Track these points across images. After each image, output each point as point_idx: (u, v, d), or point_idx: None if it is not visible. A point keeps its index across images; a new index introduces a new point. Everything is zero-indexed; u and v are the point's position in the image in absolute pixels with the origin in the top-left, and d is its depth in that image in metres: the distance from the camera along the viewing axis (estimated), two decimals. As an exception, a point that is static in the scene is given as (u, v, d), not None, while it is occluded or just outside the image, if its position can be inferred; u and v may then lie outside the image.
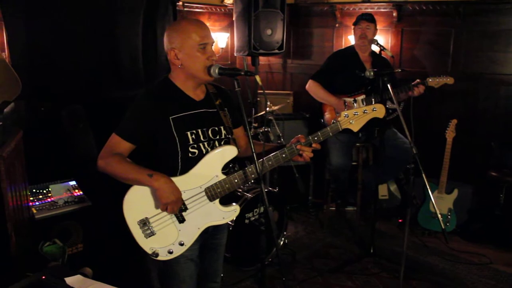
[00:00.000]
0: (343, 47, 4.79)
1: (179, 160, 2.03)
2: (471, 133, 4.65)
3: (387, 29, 5.04)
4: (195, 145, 2.05)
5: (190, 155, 2.04)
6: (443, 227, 3.03)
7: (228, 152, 2.08)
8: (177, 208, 1.98)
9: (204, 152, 2.07)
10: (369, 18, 4.04)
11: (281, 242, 3.91)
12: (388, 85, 3.29)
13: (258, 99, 4.68)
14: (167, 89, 2.08)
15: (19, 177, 2.81)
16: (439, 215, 3.04)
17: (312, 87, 4.12)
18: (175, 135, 2.01)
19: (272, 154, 2.08)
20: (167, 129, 2.01)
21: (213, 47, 2.06)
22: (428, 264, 3.85)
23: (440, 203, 4.30)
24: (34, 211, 3.14)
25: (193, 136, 2.05)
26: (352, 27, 4.18)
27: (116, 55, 4.28)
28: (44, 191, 3.41)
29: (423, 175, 2.95)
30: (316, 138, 2.11)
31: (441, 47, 4.81)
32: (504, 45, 4.47)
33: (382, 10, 5.01)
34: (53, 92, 3.79)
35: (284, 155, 2.08)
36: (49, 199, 3.32)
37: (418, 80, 3.85)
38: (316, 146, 2.12)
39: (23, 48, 3.61)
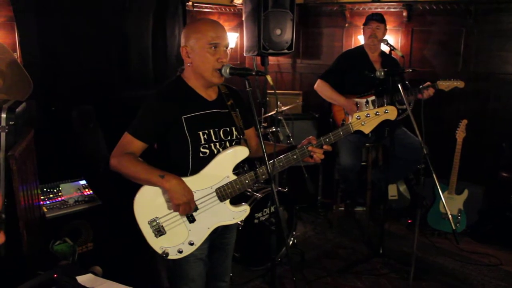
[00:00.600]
0: (352, 47, 4.78)
1: (190, 160, 2.04)
2: (481, 133, 4.62)
3: (397, 29, 5.01)
4: (207, 145, 2.06)
5: (201, 155, 2.05)
6: (453, 227, 3.00)
7: (239, 153, 2.08)
8: (190, 209, 1.99)
9: (215, 153, 2.07)
10: (379, 18, 4.02)
11: (290, 242, 3.90)
12: (399, 85, 3.29)
13: (268, 99, 4.68)
14: (179, 88, 2.09)
15: (30, 176, 2.84)
16: (450, 216, 3.03)
17: (320, 86, 4.12)
18: (187, 134, 2.02)
19: (283, 155, 2.08)
20: (180, 129, 2.01)
21: (227, 50, 2.07)
22: (437, 265, 3.82)
23: (450, 203, 4.28)
24: (45, 210, 3.17)
25: (205, 136, 2.05)
26: (362, 27, 4.17)
27: (126, 55, 4.30)
28: (55, 190, 3.44)
29: (434, 175, 2.93)
30: (327, 140, 2.11)
31: (451, 47, 4.79)
32: (515, 45, 4.45)
33: (392, 10, 4.99)
34: (64, 92, 3.82)
35: (295, 156, 2.08)
36: (59, 198, 3.35)
37: (428, 83, 3.82)
38: (327, 148, 2.11)
39: (34, 49, 3.64)
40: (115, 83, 4.21)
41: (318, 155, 2.09)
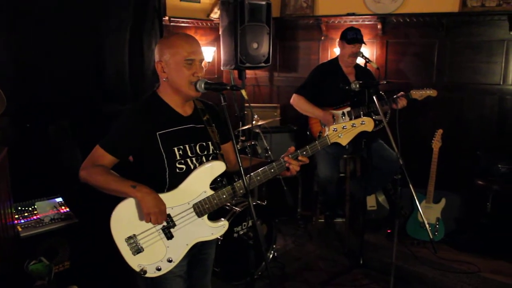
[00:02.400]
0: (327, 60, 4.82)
1: (167, 176, 2.02)
2: (457, 142, 4.69)
3: (372, 41, 5.09)
4: (183, 161, 2.04)
5: (177, 170, 2.03)
6: (431, 236, 3.04)
7: (216, 168, 2.07)
8: (161, 220, 1.96)
9: (192, 168, 2.06)
10: (361, 39, 4.02)
11: (270, 256, 3.88)
12: (374, 97, 3.33)
13: (246, 112, 4.69)
14: (154, 104, 2.08)
15: (3, 194, 2.78)
16: (427, 225, 3.06)
17: (296, 100, 4.13)
18: (162, 151, 2.00)
19: (261, 169, 2.07)
20: (154, 145, 2.00)
21: (202, 64, 2.07)
22: (417, 274, 3.85)
23: (428, 212, 4.33)
24: (20, 229, 3.10)
25: (180, 152, 2.04)
26: (341, 41, 4.08)
27: (102, 70, 4.27)
28: (30, 209, 3.37)
29: (410, 185, 2.97)
30: (305, 153, 2.11)
31: (425, 58, 4.88)
32: (486, 56, 4.55)
33: (367, 22, 5.07)
34: (39, 107, 3.77)
35: (272, 170, 2.08)
36: (35, 217, 3.28)
37: (401, 93, 3.88)
38: (304, 159, 2.11)
39: (8, 64, 3.59)
40: (91, 98, 4.16)
41: (294, 166, 2.09)
